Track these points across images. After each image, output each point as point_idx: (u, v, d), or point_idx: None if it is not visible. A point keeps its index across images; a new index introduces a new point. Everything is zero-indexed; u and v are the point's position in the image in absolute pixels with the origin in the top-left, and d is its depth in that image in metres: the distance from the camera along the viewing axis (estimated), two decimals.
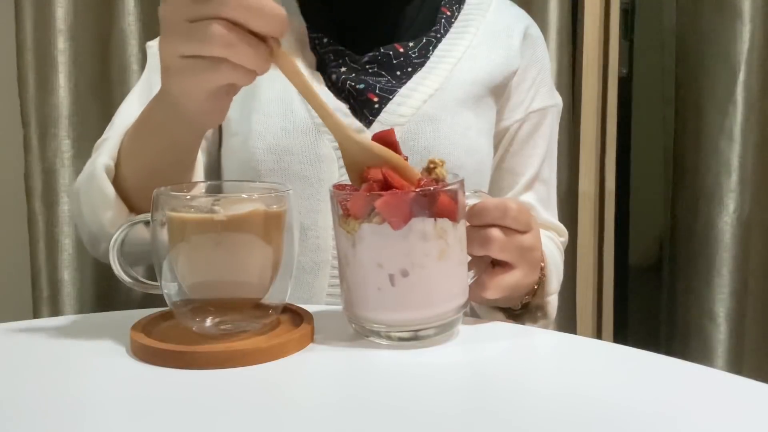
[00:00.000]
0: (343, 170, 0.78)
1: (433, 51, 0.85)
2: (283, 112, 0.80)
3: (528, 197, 0.91)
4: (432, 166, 0.57)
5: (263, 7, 0.52)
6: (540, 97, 0.91)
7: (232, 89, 0.59)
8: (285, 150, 0.79)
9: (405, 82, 0.82)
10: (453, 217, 0.55)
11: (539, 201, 0.91)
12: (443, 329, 0.57)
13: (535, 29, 0.93)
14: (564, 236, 0.94)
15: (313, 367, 0.53)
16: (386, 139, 0.57)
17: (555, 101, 0.93)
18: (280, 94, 0.81)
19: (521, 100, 0.89)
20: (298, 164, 0.79)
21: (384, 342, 0.57)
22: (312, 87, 0.57)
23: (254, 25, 0.52)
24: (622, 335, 1.60)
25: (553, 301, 0.75)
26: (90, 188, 0.70)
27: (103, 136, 0.82)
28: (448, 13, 0.89)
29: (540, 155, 0.91)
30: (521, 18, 0.92)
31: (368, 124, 0.81)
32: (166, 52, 0.56)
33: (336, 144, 0.78)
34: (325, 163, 0.79)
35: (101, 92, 1.35)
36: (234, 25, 0.52)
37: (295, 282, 0.78)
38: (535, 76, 0.90)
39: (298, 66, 0.56)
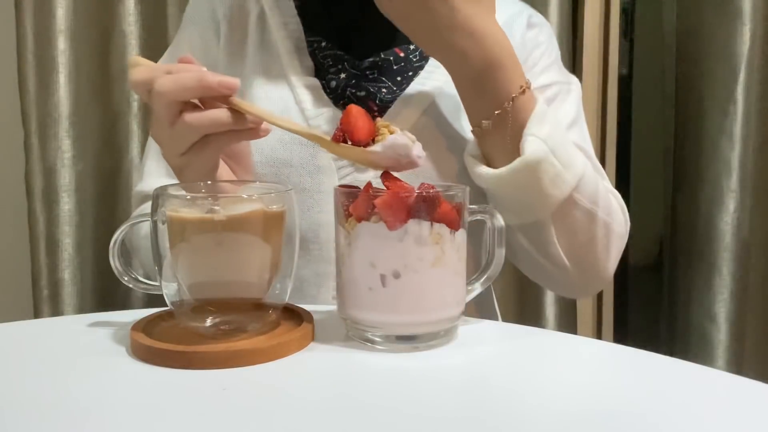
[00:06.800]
0: (343, 181, 0.78)
1: None
2: None
3: None
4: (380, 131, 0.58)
5: (188, 84, 0.59)
6: (550, 74, 0.84)
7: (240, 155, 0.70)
8: (283, 162, 0.78)
9: (405, 89, 0.80)
10: (452, 224, 0.55)
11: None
12: (432, 337, 0.56)
13: (537, 17, 0.89)
14: (621, 203, 0.81)
15: (313, 367, 0.53)
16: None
17: (569, 80, 0.87)
18: (278, 104, 0.80)
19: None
20: (297, 176, 0.78)
21: (369, 344, 0.56)
22: (277, 118, 0.62)
23: (194, 96, 0.60)
24: (622, 335, 1.60)
25: (534, 144, 0.68)
26: (148, 256, 0.73)
27: (141, 188, 0.85)
28: None
29: (567, 120, 0.81)
30: (522, 11, 0.89)
31: None
32: (170, 160, 0.64)
33: (334, 155, 0.77)
34: (324, 174, 0.78)
35: (101, 93, 1.36)
36: (196, 106, 0.60)
37: (299, 295, 0.77)
38: (539, 57, 0.85)
39: (255, 107, 0.62)
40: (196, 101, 0.60)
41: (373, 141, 0.58)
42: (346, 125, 0.58)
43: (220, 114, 0.59)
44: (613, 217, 0.76)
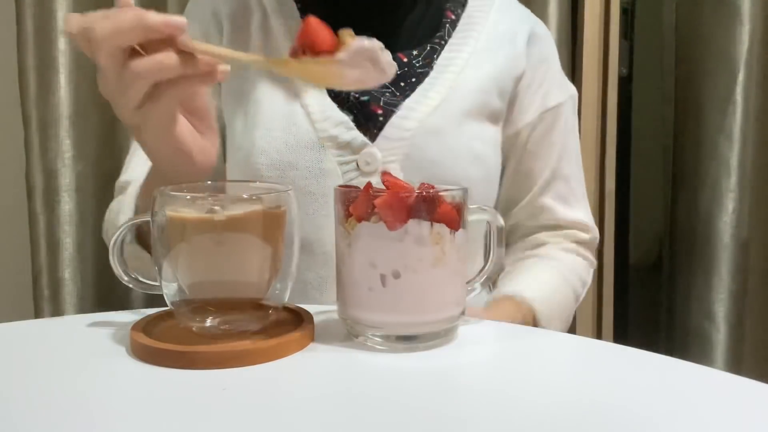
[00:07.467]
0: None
1: (437, 59, 0.83)
2: (286, 126, 0.79)
3: (545, 199, 0.88)
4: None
5: (127, 26, 0.54)
6: (552, 95, 0.88)
7: (201, 114, 0.64)
8: (288, 165, 0.78)
9: (409, 94, 0.80)
10: (452, 224, 0.55)
11: (558, 198, 0.89)
12: (432, 337, 0.56)
13: (540, 28, 0.90)
14: (589, 232, 0.93)
15: (313, 367, 0.53)
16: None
17: (569, 93, 0.90)
18: (283, 108, 0.80)
19: (531, 101, 0.87)
20: (303, 179, 0.78)
21: (370, 343, 0.56)
22: (230, 52, 0.57)
23: (136, 39, 0.54)
24: (622, 335, 1.61)
25: (542, 321, 0.80)
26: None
27: (122, 178, 0.84)
28: (453, 17, 0.86)
29: (556, 152, 0.88)
30: (525, 19, 0.90)
31: (373, 137, 0.79)
32: (124, 119, 0.60)
33: (340, 159, 0.78)
34: (329, 177, 0.78)
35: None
36: (138, 53, 0.55)
37: (302, 298, 0.77)
38: (544, 74, 0.88)
39: (207, 45, 0.57)
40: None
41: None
42: (306, 36, 0.52)
43: (167, 57, 0.54)
44: (585, 287, 0.92)
